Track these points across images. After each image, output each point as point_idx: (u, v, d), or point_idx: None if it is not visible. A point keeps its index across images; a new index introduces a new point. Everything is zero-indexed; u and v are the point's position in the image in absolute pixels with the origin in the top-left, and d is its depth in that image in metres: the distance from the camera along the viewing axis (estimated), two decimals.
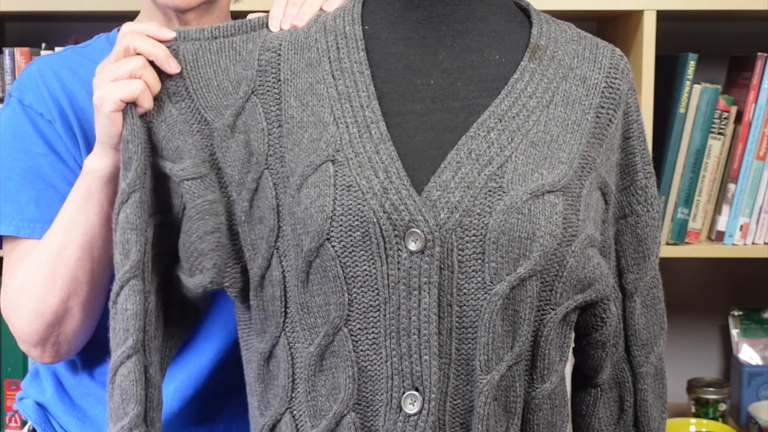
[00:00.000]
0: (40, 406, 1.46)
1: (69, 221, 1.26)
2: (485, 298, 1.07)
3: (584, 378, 1.24)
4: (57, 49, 1.89)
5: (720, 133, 1.90)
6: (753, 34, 2.14)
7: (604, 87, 1.17)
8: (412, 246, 1.06)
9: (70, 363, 1.43)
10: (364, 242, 1.07)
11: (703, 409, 2.15)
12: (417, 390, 1.07)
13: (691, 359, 2.32)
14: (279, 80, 1.16)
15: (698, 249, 1.93)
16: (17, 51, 1.95)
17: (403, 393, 1.08)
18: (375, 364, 1.09)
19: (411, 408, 1.08)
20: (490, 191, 1.08)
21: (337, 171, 1.08)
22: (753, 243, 1.93)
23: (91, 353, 1.39)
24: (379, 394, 1.09)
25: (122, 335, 1.14)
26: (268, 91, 1.15)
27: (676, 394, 2.21)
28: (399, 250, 1.07)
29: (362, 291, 1.08)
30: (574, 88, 1.15)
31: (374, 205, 1.06)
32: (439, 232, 1.06)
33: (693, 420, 2.11)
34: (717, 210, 1.94)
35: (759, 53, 1.90)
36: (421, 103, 1.13)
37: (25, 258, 1.31)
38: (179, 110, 1.17)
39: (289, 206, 1.11)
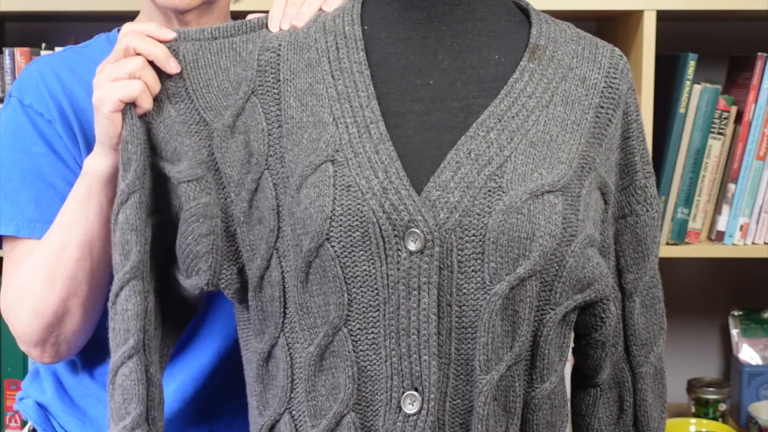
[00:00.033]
0: (41, 407, 1.46)
1: (68, 221, 1.26)
2: (485, 298, 1.07)
3: (584, 378, 1.24)
4: (57, 49, 1.89)
5: (720, 133, 1.90)
6: (753, 34, 2.14)
7: (604, 87, 1.17)
8: (412, 246, 1.06)
9: (71, 363, 1.43)
10: (364, 242, 1.07)
11: (703, 409, 2.15)
12: (416, 390, 1.07)
13: (691, 359, 2.32)
14: (278, 80, 1.16)
15: (698, 249, 1.93)
16: (17, 51, 1.95)
17: (403, 393, 1.08)
18: (374, 364, 1.09)
19: (410, 408, 1.08)
20: (489, 191, 1.08)
21: (336, 171, 1.08)
22: (753, 243, 1.93)
23: (92, 353, 1.39)
24: (379, 394, 1.09)
25: (123, 335, 1.14)
26: (267, 91, 1.15)
27: (676, 394, 2.21)
28: (398, 250, 1.07)
29: (362, 291, 1.08)
30: (574, 88, 1.15)
31: (374, 205, 1.06)
32: (439, 232, 1.06)
33: (693, 420, 2.11)
34: (717, 210, 1.94)
35: (759, 53, 1.90)
36: (420, 103, 1.13)
37: (25, 258, 1.31)
38: (178, 111, 1.17)
39: (289, 206, 1.11)
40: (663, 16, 1.83)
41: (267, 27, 1.20)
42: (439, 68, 1.14)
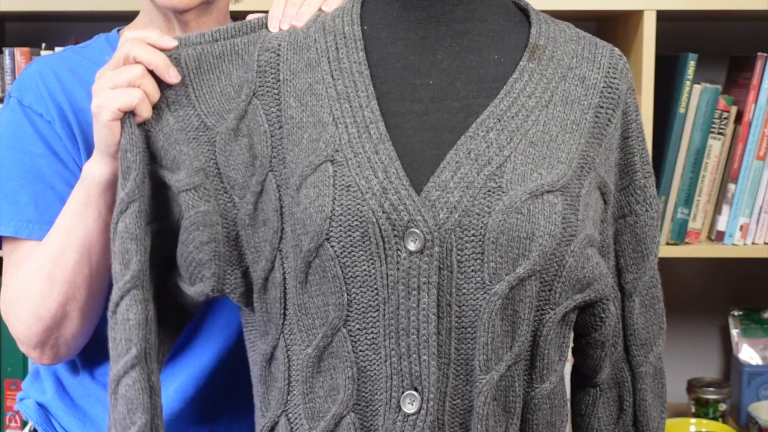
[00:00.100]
0: (41, 407, 1.46)
1: (68, 226, 1.25)
2: (484, 298, 1.07)
3: (583, 378, 1.24)
4: (57, 49, 1.89)
5: (720, 133, 1.90)
6: (753, 34, 2.14)
7: (603, 87, 1.17)
8: (412, 246, 1.06)
9: (71, 363, 1.43)
10: (364, 242, 1.07)
11: (703, 409, 2.15)
12: (416, 390, 1.07)
13: (691, 359, 2.32)
14: (278, 80, 1.16)
15: (698, 249, 1.93)
16: (17, 51, 1.95)
17: (402, 393, 1.08)
18: (374, 364, 1.09)
19: (410, 408, 1.08)
20: (489, 191, 1.08)
21: (336, 171, 1.08)
22: (753, 243, 1.93)
23: (92, 354, 1.39)
24: (378, 393, 1.09)
25: (124, 345, 1.13)
26: (267, 92, 1.15)
27: (676, 394, 2.21)
28: (398, 250, 1.07)
29: (361, 291, 1.08)
30: (573, 87, 1.15)
31: (373, 205, 1.07)
32: (438, 232, 1.06)
33: (693, 420, 2.11)
34: (717, 210, 1.94)
35: (759, 53, 1.90)
36: (420, 103, 1.13)
37: (26, 260, 1.31)
38: (176, 119, 1.16)
39: (289, 207, 1.11)
40: (663, 16, 1.83)
41: (267, 27, 1.20)
42: (438, 68, 1.14)
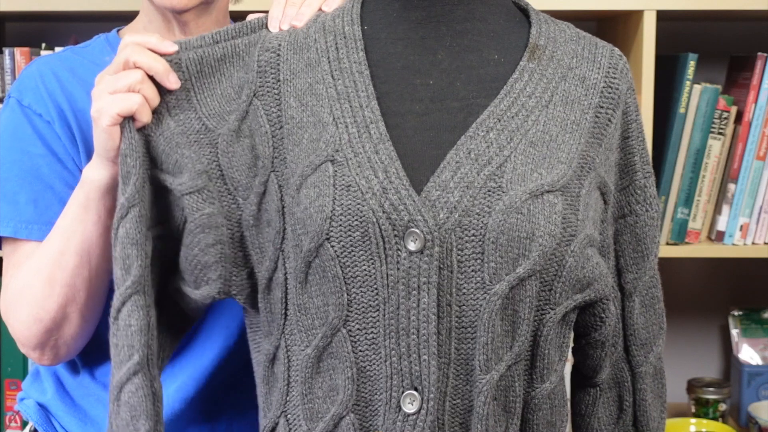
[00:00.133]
0: (42, 407, 1.46)
1: (67, 229, 1.25)
2: (484, 298, 1.07)
3: (583, 378, 1.24)
4: (57, 49, 1.89)
5: (720, 133, 1.90)
6: (753, 34, 2.14)
7: (603, 87, 1.17)
8: (412, 246, 1.06)
9: (71, 363, 1.43)
10: (364, 242, 1.07)
11: (703, 409, 2.15)
12: (416, 389, 1.07)
13: (691, 359, 2.32)
14: (278, 80, 1.16)
15: (698, 249, 1.93)
16: (17, 51, 1.95)
17: (402, 392, 1.08)
18: (374, 364, 1.09)
19: (410, 407, 1.08)
20: (489, 191, 1.08)
21: (336, 171, 1.08)
22: (753, 243, 1.93)
23: (92, 354, 1.39)
24: (378, 393, 1.09)
25: (127, 351, 1.13)
26: (268, 92, 1.15)
27: (676, 394, 2.21)
28: (398, 250, 1.07)
29: (361, 291, 1.08)
30: (573, 87, 1.15)
31: (374, 205, 1.06)
32: (439, 232, 1.06)
33: (693, 420, 2.11)
34: (717, 210, 1.94)
35: (759, 53, 1.90)
36: (420, 103, 1.13)
37: (26, 261, 1.31)
38: (177, 122, 1.16)
39: (289, 207, 1.11)
40: (663, 16, 1.83)
41: (267, 27, 1.20)
42: (438, 68, 1.14)
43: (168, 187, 1.16)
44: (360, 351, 1.09)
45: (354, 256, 1.07)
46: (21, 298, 1.29)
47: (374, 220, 1.06)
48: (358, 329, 1.09)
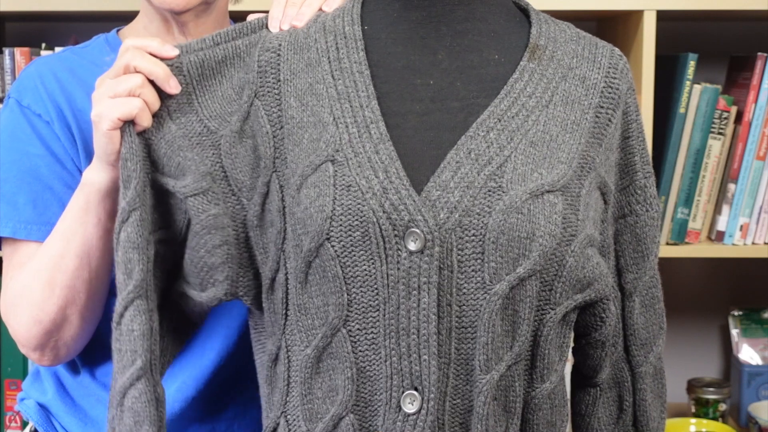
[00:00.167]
0: (42, 407, 1.46)
1: (67, 231, 1.25)
2: (485, 298, 1.07)
3: (583, 378, 1.24)
4: (57, 49, 1.89)
5: (720, 133, 1.90)
6: (753, 34, 2.14)
7: (603, 87, 1.17)
8: (412, 246, 1.06)
9: (71, 364, 1.43)
10: (364, 242, 1.07)
11: (703, 409, 2.15)
12: (416, 389, 1.07)
13: (691, 359, 2.32)
14: (279, 80, 1.16)
15: (698, 249, 1.93)
16: (17, 51, 1.95)
17: (403, 392, 1.08)
18: (374, 364, 1.09)
19: (410, 407, 1.08)
20: (489, 191, 1.08)
21: (336, 171, 1.08)
22: (753, 243, 1.93)
23: (92, 354, 1.39)
24: (378, 393, 1.09)
25: (130, 356, 1.12)
26: (268, 92, 1.15)
27: (676, 394, 2.20)
28: (398, 249, 1.06)
29: (361, 291, 1.08)
30: (574, 87, 1.15)
31: (374, 205, 1.06)
32: (439, 231, 1.06)
33: (693, 420, 2.11)
34: (717, 210, 1.94)
35: (759, 53, 1.90)
36: (420, 103, 1.13)
37: (26, 262, 1.31)
38: (178, 125, 1.16)
39: (290, 207, 1.11)
40: (663, 16, 1.83)
41: (267, 27, 1.20)
42: (439, 68, 1.14)
43: (169, 191, 1.15)
44: (360, 351, 1.09)
45: (354, 256, 1.07)
46: (21, 300, 1.29)
47: (374, 220, 1.06)
48: (358, 329, 1.09)
